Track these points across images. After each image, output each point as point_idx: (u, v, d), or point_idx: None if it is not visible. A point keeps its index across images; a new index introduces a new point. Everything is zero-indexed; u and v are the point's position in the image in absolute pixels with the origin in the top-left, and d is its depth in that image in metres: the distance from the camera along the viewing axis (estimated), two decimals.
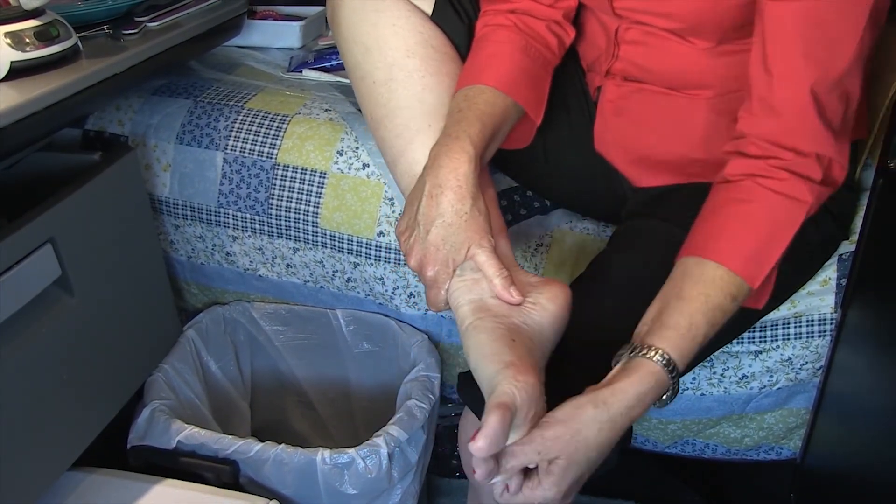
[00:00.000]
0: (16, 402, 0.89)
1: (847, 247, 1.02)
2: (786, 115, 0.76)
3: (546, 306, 0.79)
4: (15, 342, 0.89)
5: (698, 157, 0.94)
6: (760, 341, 1.06)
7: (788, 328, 1.04)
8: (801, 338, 1.04)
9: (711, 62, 0.88)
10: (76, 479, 1.02)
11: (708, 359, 1.06)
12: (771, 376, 1.06)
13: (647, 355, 0.73)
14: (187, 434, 1.05)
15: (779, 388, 1.08)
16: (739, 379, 1.08)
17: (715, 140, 0.90)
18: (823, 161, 0.77)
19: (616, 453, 0.86)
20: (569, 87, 1.03)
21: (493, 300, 0.78)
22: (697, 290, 0.75)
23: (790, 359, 1.05)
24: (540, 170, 1.08)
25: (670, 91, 0.92)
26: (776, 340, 1.05)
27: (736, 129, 0.80)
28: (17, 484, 0.91)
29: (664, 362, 0.73)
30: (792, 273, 0.97)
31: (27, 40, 0.86)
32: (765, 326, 1.05)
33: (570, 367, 0.82)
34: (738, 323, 0.96)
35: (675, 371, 0.74)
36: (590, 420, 0.71)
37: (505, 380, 0.70)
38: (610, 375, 0.75)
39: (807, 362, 1.05)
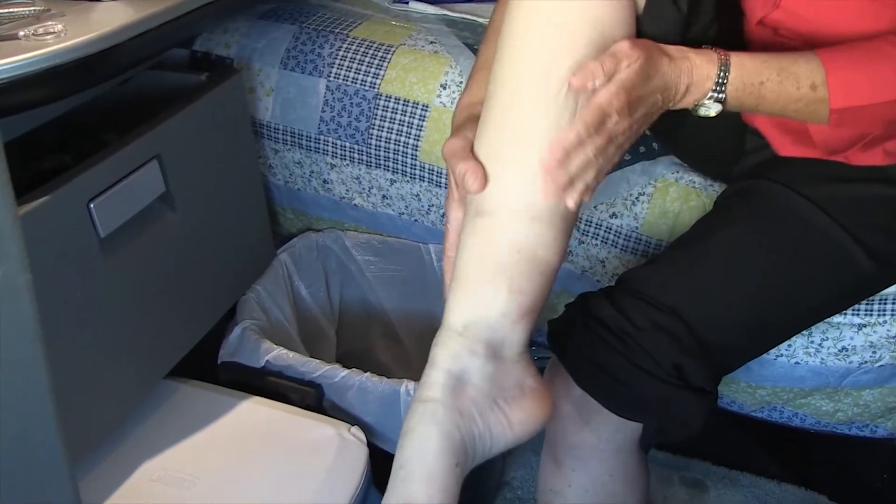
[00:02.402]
0: (120, 311, 0.93)
1: None
2: None
3: (514, 428, 0.74)
4: (121, 253, 0.92)
5: (844, 133, 0.88)
6: (866, 314, 1.01)
7: None
8: None
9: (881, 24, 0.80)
10: (170, 387, 1.06)
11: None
12: (874, 352, 1.02)
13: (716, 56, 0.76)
14: (275, 355, 1.08)
15: (881, 366, 1.03)
16: (839, 351, 1.04)
17: None
18: None
19: (702, 421, 0.85)
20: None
21: (472, 389, 0.72)
22: (793, 58, 0.76)
23: None
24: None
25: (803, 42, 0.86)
26: (883, 315, 1.00)
27: None
28: (118, 388, 0.95)
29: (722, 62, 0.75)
30: None
31: None
32: (872, 300, 1.00)
33: (657, 333, 0.81)
34: (848, 292, 0.92)
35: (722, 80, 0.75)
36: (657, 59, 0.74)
37: None
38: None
39: None
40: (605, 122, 0.71)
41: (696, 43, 0.79)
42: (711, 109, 0.77)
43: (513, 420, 0.74)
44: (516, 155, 0.73)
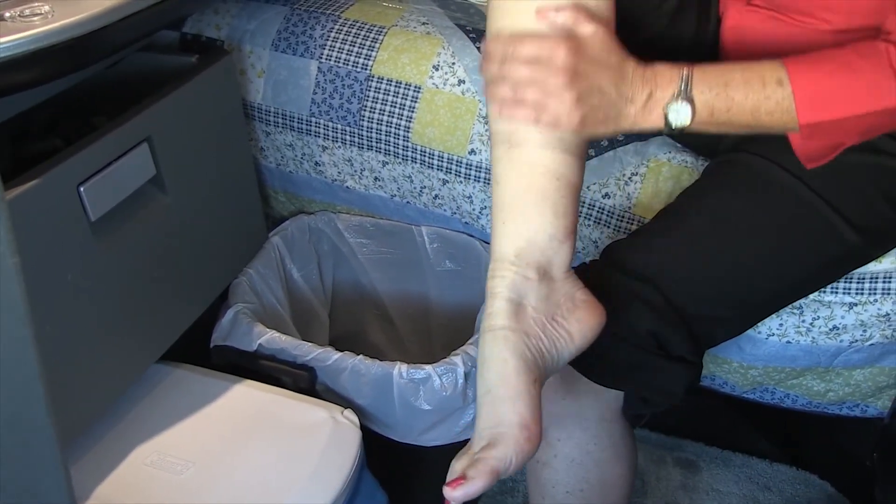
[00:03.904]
0: (111, 294, 0.93)
1: None
2: None
3: (574, 338, 0.79)
4: (112, 236, 0.92)
5: (819, 143, 0.88)
6: (857, 293, 1.01)
7: (890, 282, 0.99)
8: None
9: None
10: (163, 371, 1.06)
11: (797, 305, 1.02)
12: (864, 331, 1.02)
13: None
14: (268, 338, 1.08)
15: (872, 345, 1.03)
16: (830, 330, 1.04)
17: None
18: None
19: (682, 390, 0.85)
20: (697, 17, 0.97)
21: (532, 310, 0.77)
22: (756, 62, 0.76)
23: (888, 314, 1.01)
24: None
25: (796, 19, 0.86)
26: (874, 294, 1.00)
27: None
28: (109, 372, 0.95)
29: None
30: None
31: None
32: (863, 278, 1.00)
33: (634, 302, 0.82)
34: (832, 269, 0.93)
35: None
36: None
37: (512, 442, 0.72)
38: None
39: None
40: (539, 60, 0.73)
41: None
42: (682, 113, 0.76)
43: (572, 331, 0.78)
44: None
